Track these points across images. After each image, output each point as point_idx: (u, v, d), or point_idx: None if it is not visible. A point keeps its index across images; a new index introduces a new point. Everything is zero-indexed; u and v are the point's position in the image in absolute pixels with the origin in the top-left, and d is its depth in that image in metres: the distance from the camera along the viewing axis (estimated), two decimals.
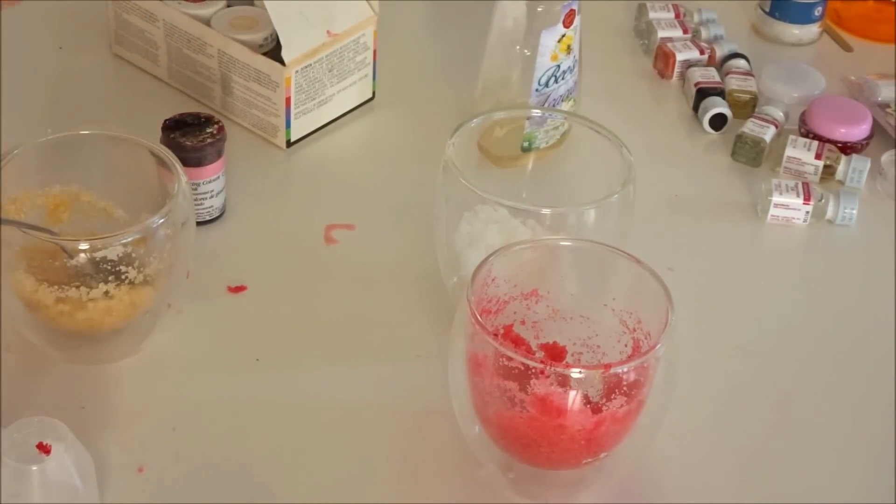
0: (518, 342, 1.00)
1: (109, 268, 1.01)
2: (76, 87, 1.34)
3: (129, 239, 1.01)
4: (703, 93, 1.37)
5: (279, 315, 1.13)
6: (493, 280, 0.99)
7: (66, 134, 1.08)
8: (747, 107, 1.37)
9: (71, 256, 1.01)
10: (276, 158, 1.29)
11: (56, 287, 1.02)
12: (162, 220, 1.01)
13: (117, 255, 1.01)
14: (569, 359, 1.02)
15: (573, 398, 0.93)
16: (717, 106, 1.35)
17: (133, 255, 1.02)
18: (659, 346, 0.93)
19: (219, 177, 1.18)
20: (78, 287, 1.01)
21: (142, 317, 1.06)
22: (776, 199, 1.25)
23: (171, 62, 1.33)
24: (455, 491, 1.00)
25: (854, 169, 1.29)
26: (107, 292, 1.02)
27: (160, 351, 1.09)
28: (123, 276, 1.02)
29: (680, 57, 1.41)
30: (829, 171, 1.30)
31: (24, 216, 1.05)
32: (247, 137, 1.30)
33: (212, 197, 1.19)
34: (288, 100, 1.26)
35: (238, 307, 1.13)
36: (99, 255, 1.00)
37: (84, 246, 1.00)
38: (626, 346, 1.00)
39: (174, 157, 1.05)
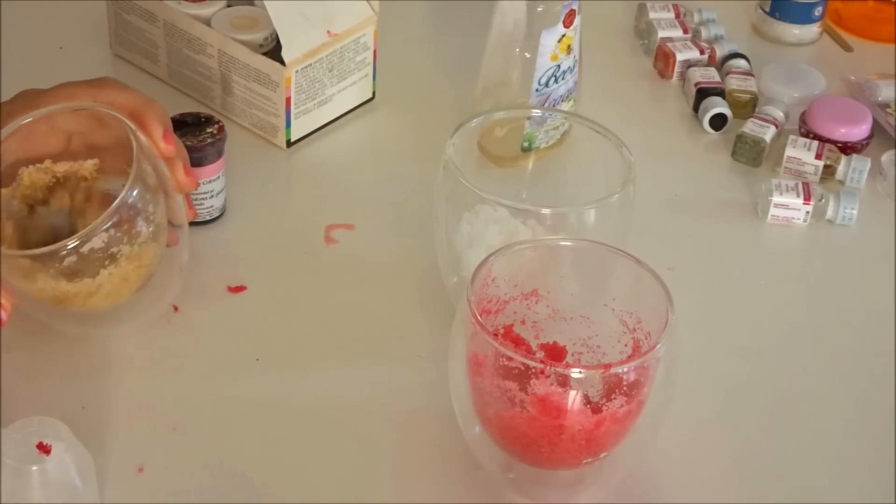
0: (518, 342, 1.00)
1: (101, 255, 1.01)
2: None
3: (107, 225, 0.99)
4: (703, 93, 1.37)
5: (279, 315, 1.13)
6: (493, 280, 0.99)
7: (30, 118, 1.04)
8: (747, 107, 1.37)
9: (61, 262, 1.00)
10: (276, 158, 1.29)
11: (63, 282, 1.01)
12: (135, 192, 1.00)
13: (103, 241, 1.00)
14: (569, 359, 1.02)
15: (573, 398, 0.93)
16: (717, 106, 1.35)
17: (117, 234, 1.01)
18: (659, 346, 0.93)
19: (219, 177, 1.19)
20: (81, 279, 1.01)
21: (158, 271, 1.05)
22: (776, 199, 1.25)
23: (171, 62, 1.33)
24: (455, 491, 1.00)
25: (854, 169, 1.29)
26: (111, 273, 1.02)
27: (160, 351, 1.09)
28: (117, 255, 1.01)
29: (680, 57, 1.41)
30: (829, 171, 1.30)
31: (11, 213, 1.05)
32: (247, 137, 1.30)
33: (212, 197, 1.19)
34: (288, 100, 1.26)
35: (238, 307, 1.13)
36: (85, 249, 1.00)
37: (72, 244, 0.99)
38: (626, 346, 1.00)
39: (128, 119, 1.03)
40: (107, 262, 1.01)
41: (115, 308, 1.05)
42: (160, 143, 1.05)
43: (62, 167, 1.07)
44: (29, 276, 1.01)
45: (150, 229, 1.02)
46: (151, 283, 1.06)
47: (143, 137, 1.02)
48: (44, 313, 1.05)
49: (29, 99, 1.05)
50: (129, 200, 1.00)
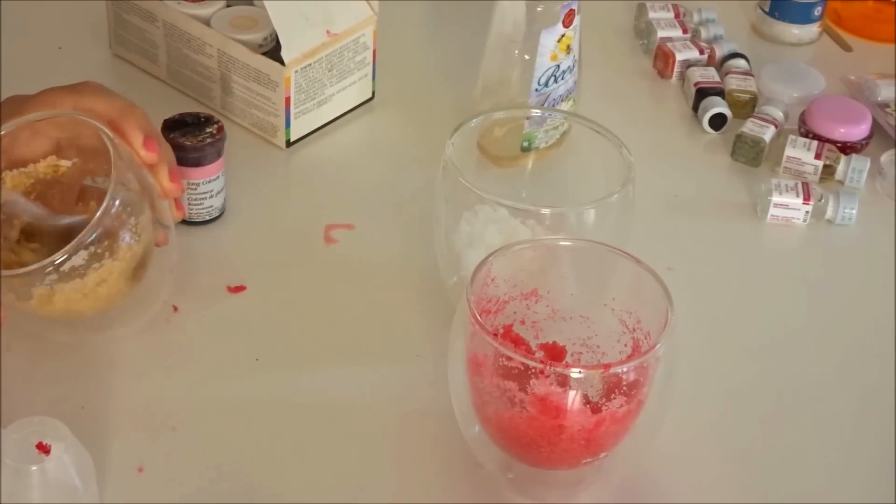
0: (518, 342, 1.00)
1: (82, 272, 1.00)
2: None
3: (90, 239, 0.99)
4: (702, 93, 1.37)
5: (279, 315, 1.13)
6: (492, 280, 0.99)
7: (9, 127, 1.04)
8: (747, 107, 1.37)
9: (43, 280, 1.00)
10: (275, 158, 1.29)
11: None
12: (116, 202, 0.99)
13: (83, 259, 1.00)
14: (568, 359, 1.02)
15: (573, 398, 0.93)
16: (717, 106, 1.35)
17: (97, 250, 1.00)
18: (659, 345, 0.93)
19: (218, 177, 1.19)
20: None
21: (148, 274, 1.05)
22: (776, 198, 1.25)
23: (170, 62, 1.33)
24: (455, 491, 1.00)
25: (854, 169, 1.29)
26: (96, 282, 1.01)
27: (160, 351, 1.09)
28: (100, 268, 1.01)
29: (680, 57, 1.41)
30: (828, 170, 1.30)
31: None
32: (247, 137, 1.30)
33: (211, 197, 1.19)
34: (287, 100, 1.26)
35: (238, 307, 1.13)
36: (66, 266, 1.00)
37: (59, 259, 0.99)
38: (625, 345, 1.00)
39: (106, 128, 1.02)
40: (89, 273, 1.01)
41: (105, 314, 1.05)
42: (140, 151, 1.04)
43: (43, 168, 1.07)
44: (12, 290, 1.01)
45: (134, 239, 1.02)
46: (142, 286, 1.05)
47: (122, 146, 1.02)
48: (35, 324, 1.05)
49: (13, 106, 1.06)
50: (112, 212, 1.00)
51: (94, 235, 0.99)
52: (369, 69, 1.33)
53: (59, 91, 1.06)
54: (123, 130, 1.04)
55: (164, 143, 1.08)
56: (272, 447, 1.02)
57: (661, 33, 1.44)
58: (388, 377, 1.08)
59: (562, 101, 1.26)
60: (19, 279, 1.00)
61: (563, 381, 0.92)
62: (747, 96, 1.37)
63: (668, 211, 1.26)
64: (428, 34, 1.48)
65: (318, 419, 1.04)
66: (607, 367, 0.93)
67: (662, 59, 1.43)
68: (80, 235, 0.99)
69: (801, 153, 1.29)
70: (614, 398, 0.94)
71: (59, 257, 0.99)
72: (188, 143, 1.15)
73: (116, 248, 1.01)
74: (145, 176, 1.04)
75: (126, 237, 1.01)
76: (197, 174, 1.16)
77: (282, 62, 1.25)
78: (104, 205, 0.99)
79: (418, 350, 1.10)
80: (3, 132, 1.02)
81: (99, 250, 1.00)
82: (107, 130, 1.02)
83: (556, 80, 1.24)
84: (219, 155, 1.18)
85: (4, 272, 1.00)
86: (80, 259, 0.99)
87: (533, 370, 0.92)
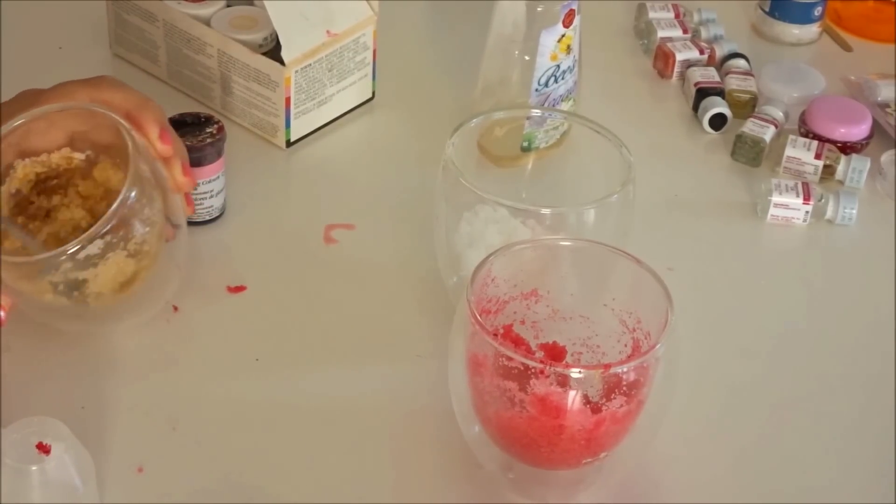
0: (518, 342, 1.00)
1: (97, 259, 1.01)
2: None
3: (105, 229, 0.99)
4: (702, 93, 1.37)
5: (279, 315, 1.13)
6: (492, 280, 0.99)
7: (25, 118, 1.04)
8: (747, 107, 1.37)
9: (58, 267, 1.00)
10: (275, 158, 1.29)
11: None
12: (133, 194, 1.00)
13: (99, 248, 1.00)
14: (568, 359, 1.02)
15: (573, 398, 0.93)
16: (717, 106, 1.35)
17: (113, 239, 1.00)
18: (659, 345, 0.93)
19: (218, 177, 1.19)
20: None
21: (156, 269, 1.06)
22: (776, 198, 1.25)
23: (170, 62, 1.33)
24: (455, 491, 1.00)
25: (854, 169, 1.29)
26: (103, 272, 1.01)
27: (160, 351, 1.09)
28: (110, 260, 1.01)
29: (680, 57, 1.41)
30: (828, 170, 1.30)
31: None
32: (247, 137, 1.30)
33: (211, 197, 1.19)
34: (288, 100, 1.26)
35: (238, 307, 1.13)
36: (81, 255, 1.00)
37: (71, 249, 0.99)
38: (625, 345, 1.00)
39: (123, 120, 1.02)
40: (98, 264, 1.01)
41: (113, 306, 1.05)
42: (156, 143, 1.05)
43: (56, 158, 1.07)
44: (27, 278, 1.01)
45: (147, 230, 1.02)
46: (149, 281, 1.06)
47: (138, 138, 1.03)
48: (42, 312, 1.05)
49: (28, 99, 1.06)
50: (128, 203, 1.00)
51: (109, 225, 0.99)
52: (369, 69, 1.33)
53: (76, 84, 1.06)
54: (140, 123, 1.04)
55: (177, 138, 1.08)
56: (272, 447, 1.02)
57: (661, 33, 1.44)
58: (389, 377, 1.08)
59: (562, 101, 1.26)
60: (31, 267, 1.00)
61: (563, 381, 0.92)
62: (747, 96, 1.37)
63: (668, 211, 1.26)
64: (428, 34, 1.48)
65: (318, 419, 1.04)
66: (607, 367, 0.93)
67: (662, 59, 1.43)
68: (96, 225, 0.99)
69: (801, 153, 1.30)
70: (614, 398, 0.94)
71: (73, 246, 0.99)
72: (188, 143, 1.15)
73: (130, 238, 1.01)
74: (159, 169, 1.04)
75: (140, 227, 1.01)
76: (197, 174, 1.16)
77: (282, 62, 1.25)
78: (122, 195, 0.99)
79: (418, 350, 1.10)
80: (20, 121, 1.02)
81: (114, 240, 1.00)
82: (124, 122, 1.02)
83: (556, 80, 1.24)
84: (219, 155, 1.18)
85: (18, 258, 1.01)
86: (95, 248, 1.00)
87: (533, 370, 0.92)
